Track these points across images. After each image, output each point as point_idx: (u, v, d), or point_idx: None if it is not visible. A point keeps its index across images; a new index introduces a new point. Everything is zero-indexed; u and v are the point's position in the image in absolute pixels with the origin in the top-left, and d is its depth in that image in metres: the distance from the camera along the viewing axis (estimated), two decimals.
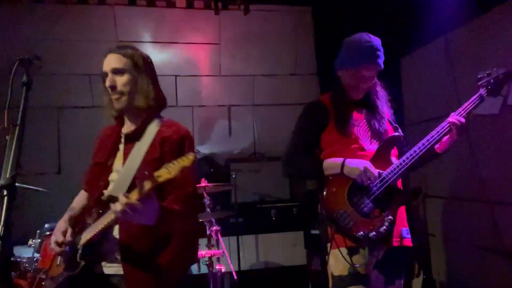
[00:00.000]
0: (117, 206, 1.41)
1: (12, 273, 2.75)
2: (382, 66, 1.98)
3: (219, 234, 3.23)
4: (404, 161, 1.90)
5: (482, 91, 2.00)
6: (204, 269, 3.24)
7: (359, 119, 2.03)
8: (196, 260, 1.91)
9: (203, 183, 3.23)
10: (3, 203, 1.17)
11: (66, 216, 1.75)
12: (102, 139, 1.87)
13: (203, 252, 3.12)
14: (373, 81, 2.05)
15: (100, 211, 1.62)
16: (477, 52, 3.10)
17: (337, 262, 1.88)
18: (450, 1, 3.26)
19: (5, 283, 1.23)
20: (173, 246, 1.66)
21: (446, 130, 1.94)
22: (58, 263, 1.72)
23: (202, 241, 3.29)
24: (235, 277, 3.30)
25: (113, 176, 1.72)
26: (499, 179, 2.94)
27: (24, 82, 1.32)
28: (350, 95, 2.05)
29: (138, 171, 1.63)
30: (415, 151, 1.90)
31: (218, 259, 3.23)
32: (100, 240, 1.61)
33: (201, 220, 3.26)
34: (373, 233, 1.81)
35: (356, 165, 1.87)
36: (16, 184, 1.23)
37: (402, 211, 1.95)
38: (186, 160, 1.38)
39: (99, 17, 4.22)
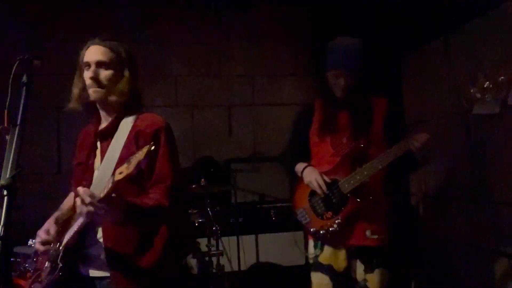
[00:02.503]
0: (80, 206, 1.39)
1: (12, 273, 2.74)
2: (354, 67, 2.09)
3: (219, 234, 3.23)
4: (360, 172, 2.04)
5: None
6: (204, 269, 3.24)
7: (342, 122, 2.17)
8: (185, 254, 1.89)
9: (203, 183, 3.23)
10: (3, 203, 1.17)
11: (52, 217, 1.73)
12: (82, 138, 1.85)
13: (203, 252, 3.12)
14: (353, 83, 2.12)
15: None
16: (477, 52, 3.10)
17: (309, 250, 2.26)
18: (450, 1, 3.26)
19: (5, 283, 1.23)
20: (159, 245, 1.63)
21: (403, 151, 1.99)
22: (46, 265, 1.68)
23: (202, 241, 3.29)
24: (235, 277, 3.30)
25: (95, 175, 1.70)
26: (499, 179, 2.94)
27: (24, 82, 1.32)
28: (335, 94, 2.19)
29: (116, 168, 1.56)
30: (372, 164, 2.02)
31: (218, 259, 3.23)
32: (82, 243, 1.58)
33: (200, 220, 3.26)
34: (322, 231, 2.10)
35: (308, 175, 2.14)
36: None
37: (366, 213, 2.10)
38: (140, 154, 1.33)
39: (99, 17, 4.22)
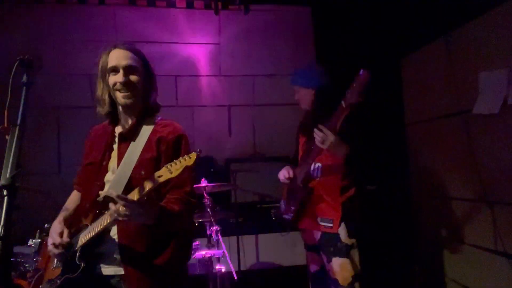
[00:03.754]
0: (116, 207, 1.41)
1: (12, 273, 2.74)
2: (293, 83, 2.63)
3: (219, 234, 3.22)
4: (304, 166, 2.39)
5: (343, 102, 2.13)
6: (204, 269, 3.23)
7: (308, 128, 2.46)
8: (190, 257, 1.92)
9: (203, 183, 3.22)
10: (3, 203, 1.17)
11: (60, 217, 1.73)
12: (93, 138, 1.85)
13: (203, 252, 3.12)
14: (303, 97, 2.56)
15: (97, 212, 1.60)
16: (477, 52, 3.10)
17: None
18: (450, 1, 3.26)
19: (5, 283, 1.23)
20: (172, 245, 1.65)
21: (318, 148, 2.25)
22: (54, 265, 1.69)
23: (202, 241, 3.29)
24: (235, 277, 3.30)
25: (108, 176, 1.70)
26: (499, 179, 2.94)
27: (24, 82, 1.32)
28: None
29: (134, 171, 1.63)
30: (308, 160, 2.36)
31: (218, 259, 3.23)
32: (97, 241, 1.60)
33: (201, 220, 3.26)
34: (286, 217, 2.53)
35: (280, 173, 2.55)
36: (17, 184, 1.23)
37: (318, 203, 2.39)
38: (188, 160, 1.38)
39: (99, 17, 4.22)
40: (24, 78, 1.33)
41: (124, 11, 4.30)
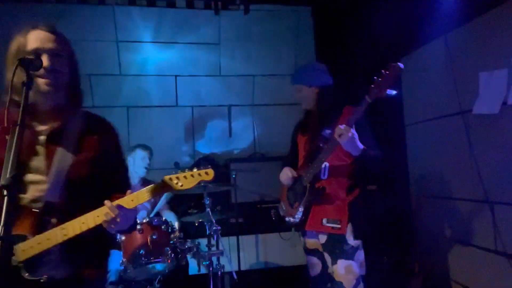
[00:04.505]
0: (111, 220, 1.42)
1: None
2: (294, 82, 2.57)
3: (219, 234, 3.22)
4: (312, 166, 2.32)
5: (367, 96, 2.06)
6: (204, 269, 3.23)
7: (310, 128, 2.48)
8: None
9: (203, 183, 3.22)
10: (3, 203, 1.16)
11: None
12: None
13: (203, 252, 3.12)
14: (305, 95, 2.50)
15: (40, 221, 1.45)
16: (477, 52, 3.10)
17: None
18: (450, 1, 3.26)
19: (5, 283, 1.23)
20: (107, 249, 1.68)
21: (335, 145, 2.15)
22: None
23: (202, 241, 3.29)
24: (235, 277, 3.30)
25: (31, 177, 1.49)
26: (499, 179, 2.94)
27: (24, 82, 1.31)
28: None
29: (71, 172, 1.50)
30: (319, 159, 2.27)
31: (218, 259, 3.23)
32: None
33: (201, 220, 3.26)
34: (291, 219, 2.44)
35: (281, 174, 2.50)
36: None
37: (324, 204, 2.34)
38: (205, 176, 1.42)
39: (99, 17, 4.22)
40: (24, 78, 1.33)
41: (124, 11, 4.30)
